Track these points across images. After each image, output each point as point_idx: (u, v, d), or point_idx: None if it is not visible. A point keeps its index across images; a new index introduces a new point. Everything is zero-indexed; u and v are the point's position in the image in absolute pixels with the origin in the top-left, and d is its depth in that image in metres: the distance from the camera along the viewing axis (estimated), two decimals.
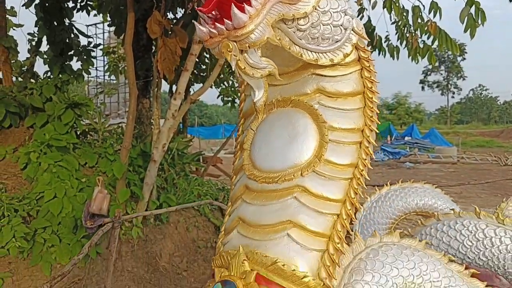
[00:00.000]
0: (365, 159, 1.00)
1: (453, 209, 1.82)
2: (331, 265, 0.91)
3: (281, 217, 0.92)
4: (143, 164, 5.20)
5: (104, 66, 10.85)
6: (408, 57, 6.39)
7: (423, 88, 63.33)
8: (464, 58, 58.95)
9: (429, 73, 62.08)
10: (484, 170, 14.72)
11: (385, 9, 4.81)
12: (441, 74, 62.35)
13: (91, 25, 11.08)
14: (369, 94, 1.03)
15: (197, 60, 6.21)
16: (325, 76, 1.01)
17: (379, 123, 1.06)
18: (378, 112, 1.04)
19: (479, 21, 3.94)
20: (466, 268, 1.23)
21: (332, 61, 0.97)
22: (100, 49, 9.52)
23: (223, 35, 0.84)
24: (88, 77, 11.90)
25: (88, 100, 4.95)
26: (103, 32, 11.75)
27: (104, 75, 11.63)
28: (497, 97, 70.65)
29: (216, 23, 0.85)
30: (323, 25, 0.93)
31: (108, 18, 7.24)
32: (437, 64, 60.36)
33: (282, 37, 0.90)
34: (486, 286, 1.26)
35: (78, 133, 5.46)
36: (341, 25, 0.97)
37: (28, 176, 4.35)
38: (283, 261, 0.84)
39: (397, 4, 4.73)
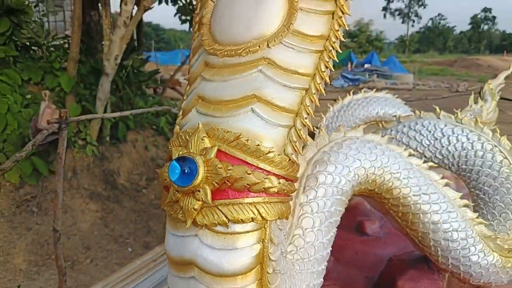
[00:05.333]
0: (338, 31, 0.89)
1: (413, 111, 1.81)
2: (297, 141, 0.85)
3: (245, 91, 0.82)
4: (95, 81, 4.86)
5: None
6: None
7: (385, 15, 63.26)
8: None
9: None
10: (437, 97, 15.44)
11: None
12: (403, 1, 62.26)
13: None
14: None
15: None
16: None
17: None
18: None
19: None
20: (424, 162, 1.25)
21: None
22: None
23: None
24: None
25: (25, 6, 4.39)
26: None
27: None
28: (454, 26, 72.08)
29: None
30: None
31: None
32: None
33: None
34: (442, 178, 1.28)
35: (19, 47, 4.95)
36: None
37: None
38: (247, 137, 0.75)
39: None
